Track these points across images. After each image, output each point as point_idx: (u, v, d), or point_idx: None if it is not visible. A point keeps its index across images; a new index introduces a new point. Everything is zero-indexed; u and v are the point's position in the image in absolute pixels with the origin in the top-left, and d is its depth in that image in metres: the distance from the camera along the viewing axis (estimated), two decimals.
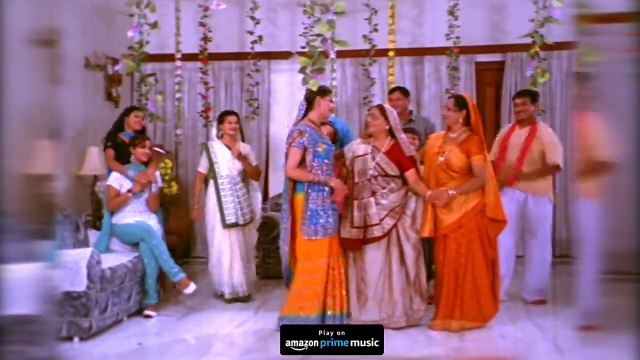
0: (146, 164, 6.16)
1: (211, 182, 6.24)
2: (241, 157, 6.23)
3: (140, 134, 6.30)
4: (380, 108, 5.39)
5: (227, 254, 6.15)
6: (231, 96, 8.47)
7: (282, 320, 5.13)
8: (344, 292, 5.21)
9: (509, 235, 5.96)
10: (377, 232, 5.21)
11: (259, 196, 6.48)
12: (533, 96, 6.13)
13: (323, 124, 6.31)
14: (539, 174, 5.94)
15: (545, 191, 5.97)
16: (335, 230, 5.19)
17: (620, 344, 3.62)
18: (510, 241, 5.99)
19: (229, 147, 6.26)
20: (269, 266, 7.10)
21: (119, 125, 6.43)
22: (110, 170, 6.11)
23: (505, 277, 6.00)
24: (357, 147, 5.36)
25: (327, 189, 5.17)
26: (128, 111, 6.49)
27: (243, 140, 6.46)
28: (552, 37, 7.15)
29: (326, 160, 5.20)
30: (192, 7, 7.96)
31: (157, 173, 6.27)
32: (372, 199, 5.22)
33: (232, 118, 6.31)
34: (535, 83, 7.03)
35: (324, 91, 5.39)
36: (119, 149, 6.23)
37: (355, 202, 5.24)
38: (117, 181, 5.97)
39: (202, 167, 6.30)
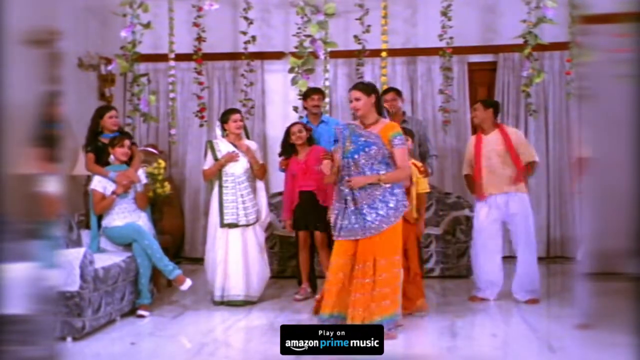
0: (129, 163, 6.13)
1: (216, 181, 6.17)
2: (249, 152, 6.14)
3: (119, 135, 6.12)
4: None
5: (221, 255, 6.08)
6: (225, 96, 8.47)
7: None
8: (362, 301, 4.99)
9: (492, 238, 6.03)
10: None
11: (264, 195, 6.34)
12: (485, 103, 6.20)
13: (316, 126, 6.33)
14: (528, 173, 6.11)
15: (523, 189, 6.05)
16: (355, 234, 4.95)
17: (614, 343, 3.64)
18: (494, 243, 6.05)
19: (235, 145, 6.18)
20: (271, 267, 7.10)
21: (94, 129, 6.16)
22: (93, 174, 6.04)
23: (494, 279, 6.05)
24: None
25: (343, 190, 5.03)
26: (101, 113, 6.20)
27: (248, 138, 6.37)
28: (545, 38, 7.18)
29: (350, 160, 4.98)
30: (185, 8, 7.95)
31: (141, 171, 6.22)
32: None
33: (237, 116, 6.21)
34: (530, 83, 7.07)
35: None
36: (100, 152, 6.08)
37: None
38: (100, 184, 5.93)
39: (207, 166, 6.17)
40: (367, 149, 4.93)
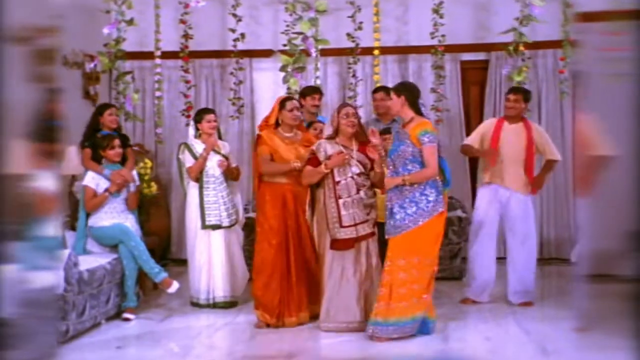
0: (122, 162, 6.14)
1: (191, 182, 6.18)
2: (223, 164, 6.16)
3: (110, 134, 6.18)
4: (355, 109, 5.51)
5: (205, 257, 6.09)
6: (213, 95, 8.46)
7: None
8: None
9: (491, 237, 6.03)
10: (368, 228, 5.29)
11: (239, 196, 6.43)
12: (526, 94, 6.20)
13: (312, 122, 6.32)
14: (547, 172, 6.24)
15: (528, 188, 6.03)
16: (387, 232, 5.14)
17: (609, 346, 3.66)
18: (492, 242, 6.06)
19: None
20: (250, 268, 7.10)
21: (93, 126, 6.28)
22: (87, 170, 6.07)
23: (489, 279, 6.07)
24: (325, 146, 5.34)
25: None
26: (101, 110, 6.37)
27: (220, 138, 6.39)
28: (537, 36, 7.20)
29: (389, 160, 5.15)
30: (172, 4, 7.93)
31: (135, 172, 6.25)
32: (358, 196, 5.26)
33: (211, 116, 6.23)
34: (511, 81, 7.11)
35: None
36: (97, 148, 6.15)
37: (341, 201, 5.24)
38: (94, 181, 5.94)
39: (191, 162, 6.13)
40: (399, 149, 5.07)
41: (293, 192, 5.54)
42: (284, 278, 5.48)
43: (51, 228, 2.77)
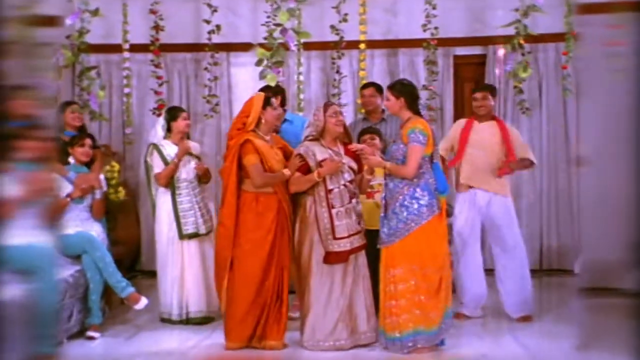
0: (89, 165, 6.07)
1: (161, 189, 6.12)
2: (201, 168, 6.16)
3: (81, 132, 6.24)
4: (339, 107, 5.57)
5: (177, 270, 6.04)
6: (187, 91, 8.40)
7: None
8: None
9: (475, 247, 6.05)
10: (361, 240, 5.29)
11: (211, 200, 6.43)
12: (492, 90, 6.28)
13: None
14: (521, 166, 6.16)
15: (507, 190, 6.07)
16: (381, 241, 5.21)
17: None
18: (477, 253, 6.08)
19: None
20: None
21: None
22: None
23: (481, 292, 6.06)
24: (313, 149, 5.31)
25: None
26: (62, 108, 6.41)
27: (188, 138, 6.36)
28: (538, 29, 7.18)
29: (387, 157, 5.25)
30: None
31: (102, 176, 6.19)
32: (351, 205, 5.25)
33: (185, 114, 6.27)
34: (515, 77, 7.08)
35: None
36: (60, 149, 6.12)
37: (334, 211, 5.20)
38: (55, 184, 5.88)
39: (160, 167, 6.08)
40: (392, 149, 5.21)
41: (282, 202, 5.34)
42: (272, 300, 5.30)
43: (8, 236, 2.69)
